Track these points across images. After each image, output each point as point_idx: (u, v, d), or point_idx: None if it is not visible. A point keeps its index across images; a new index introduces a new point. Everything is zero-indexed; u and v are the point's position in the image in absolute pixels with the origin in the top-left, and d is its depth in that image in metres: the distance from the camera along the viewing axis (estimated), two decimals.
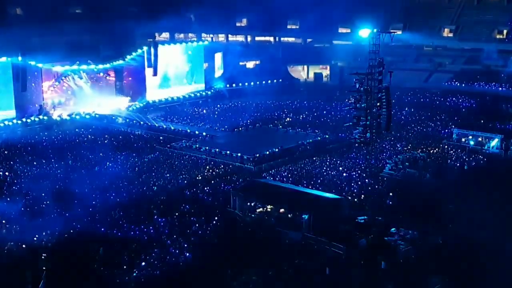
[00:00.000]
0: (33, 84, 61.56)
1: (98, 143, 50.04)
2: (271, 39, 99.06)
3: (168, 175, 40.93)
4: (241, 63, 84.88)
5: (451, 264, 27.46)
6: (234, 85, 77.73)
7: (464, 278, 26.36)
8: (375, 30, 53.14)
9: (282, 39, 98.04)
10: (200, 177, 40.56)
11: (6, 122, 57.19)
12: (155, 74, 69.91)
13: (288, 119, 60.62)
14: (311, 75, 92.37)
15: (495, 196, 35.68)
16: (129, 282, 26.25)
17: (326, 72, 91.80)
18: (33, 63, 60.54)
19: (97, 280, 26.44)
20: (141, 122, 58.36)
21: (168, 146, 49.45)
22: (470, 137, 48.80)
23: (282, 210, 33.43)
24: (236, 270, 26.95)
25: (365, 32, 53.59)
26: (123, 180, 39.16)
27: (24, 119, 58.47)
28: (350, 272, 26.91)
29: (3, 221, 32.18)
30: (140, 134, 54.89)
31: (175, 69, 73.77)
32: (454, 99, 70.00)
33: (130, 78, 70.35)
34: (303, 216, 32.17)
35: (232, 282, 26.13)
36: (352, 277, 26.52)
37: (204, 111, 66.29)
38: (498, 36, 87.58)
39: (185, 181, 39.55)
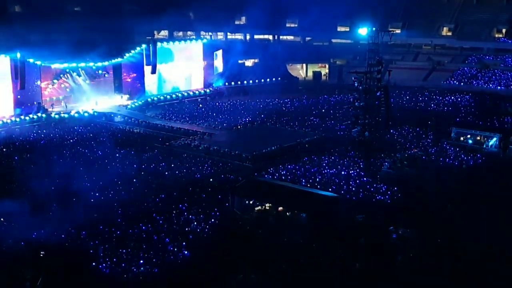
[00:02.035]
0: (35, 82, 61.54)
1: (96, 141, 50.01)
2: (270, 37, 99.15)
3: (166, 173, 40.96)
4: (240, 61, 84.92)
5: (449, 263, 27.51)
6: (233, 83, 77.82)
7: (463, 277, 26.41)
8: (374, 29, 53.15)
9: (281, 37, 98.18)
10: (198, 175, 40.56)
11: (5, 120, 57.14)
12: (153, 72, 69.90)
13: (287, 117, 60.60)
14: (310, 74, 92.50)
15: (494, 195, 35.79)
16: (127, 279, 26.27)
17: (325, 70, 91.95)
18: (31, 60, 60.50)
19: (96, 278, 26.46)
20: (140, 120, 58.35)
21: (167, 144, 49.44)
22: (469, 136, 48.86)
23: (280, 208, 33.45)
24: (234, 269, 26.98)
25: (364, 31, 53.57)
26: (122, 178, 39.15)
27: (22, 117, 58.41)
28: (349, 270, 26.98)
29: (2, 219, 32.18)
30: (139, 132, 54.88)
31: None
32: (452, 97, 70.12)
33: (128, 76, 70.38)
34: (302, 215, 32.22)
35: (230, 280, 26.15)
36: (351, 275, 26.60)
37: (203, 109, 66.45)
38: (497, 35, 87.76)
39: (184, 179, 39.55)
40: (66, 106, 62.99)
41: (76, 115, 60.36)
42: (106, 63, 67.20)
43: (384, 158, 44.40)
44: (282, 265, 27.45)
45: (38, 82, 62.27)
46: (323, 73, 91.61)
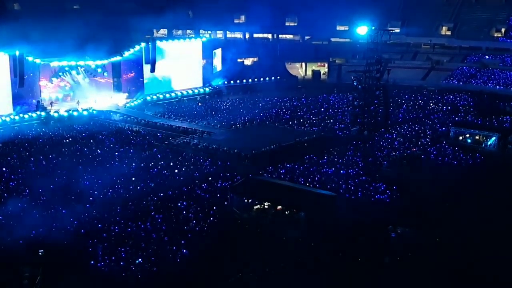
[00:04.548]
0: (31, 76, 61.47)
1: (95, 139, 49.99)
2: (270, 36, 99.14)
3: (165, 171, 40.96)
4: (239, 60, 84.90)
5: (448, 262, 27.57)
6: (232, 82, 77.82)
7: (461, 276, 26.46)
8: (373, 28, 53.25)
9: (280, 36, 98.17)
10: (197, 174, 40.57)
11: (3, 118, 57.08)
12: (152, 70, 69.82)
13: (285, 116, 60.62)
14: (309, 73, 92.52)
15: (492, 194, 35.86)
16: (126, 278, 26.29)
17: (324, 69, 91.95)
18: (30, 58, 60.45)
19: (94, 276, 26.49)
20: (139, 119, 58.32)
21: (166, 142, 49.44)
22: (467, 135, 48.92)
23: (279, 207, 33.48)
24: (233, 267, 27.01)
25: (363, 30, 53.68)
26: (121, 176, 39.15)
27: (21, 115, 58.37)
28: (348, 269, 27.02)
29: (0, 217, 32.18)
30: (138, 130, 54.84)
31: None
32: (451, 97, 70.18)
33: (128, 75, 70.36)
34: (300, 213, 32.26)
35: (229, 279, 26.18)
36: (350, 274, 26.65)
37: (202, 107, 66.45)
38: (496, 34, 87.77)
39: (182, 178, 39.58)
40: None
41: (75, 113, 60.33)
42: (105, 61, 67.21)
43: (383, 157, 44.43)
44: (281, 264, 27.49)
45: (42, 82, 62.29)
46: (322, 72, 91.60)
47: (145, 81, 70.14)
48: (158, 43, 71.66)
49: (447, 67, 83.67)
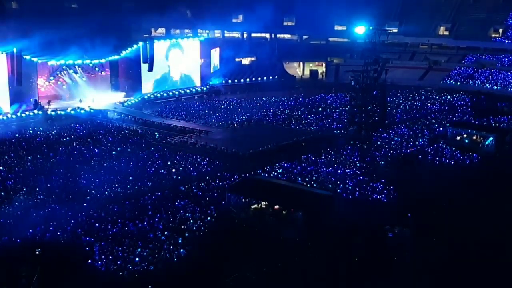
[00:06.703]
0: (29, 75, 61.39)
1: (92, 138, 49.93)
2: (267, 35, 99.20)
3: (162, 170, 40.94)
4: (237, 59, 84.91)
5: (445, 262, 27.60)
6: (230, 81, 77.84)
7: (459, 276, 26.49)
8: (371, 28, 53.31)
9: (278, 35, 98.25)
10: (195, 173, 40.56)
11: (1, 117, 56.95)
12: (150, 69, 69.83)
13: (283, 115, 60.65)
14: (307, 72, 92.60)
15: (490, 194, 35.93)
16: (123, 277, 26.28)
17: (322, 69, 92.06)
18: (28, 57, 60.33)
19: (91, 276, 26.46)
20: (136, 118, 58.28)
21: (164, 141, 49.41)
22: (465, 135, 48.95)
23: (276, 206, 33.48)
24: (230, 267, 27.01)
25: (361, 30, 53.72)
26: (118, 175, 39.11)
27: (18, 114, 58.26)
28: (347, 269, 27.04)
29: None
30: (135, 129, 54.81)
31: None
32: (449, 97, 70.32)
33: (125, 73, 70.27)
34: (298, 213, 32.26)
35: (226, 278, 26.18)
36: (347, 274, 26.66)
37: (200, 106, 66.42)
38: (494, 35, 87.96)
39: (180, 177, 39.57)
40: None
41: (73, 112, 60.25)
42: (103, 60, 67.13)
43: (380, 157, 44.46)
44: (278, 263, 27.49)
45: (40, 81, 62.17)
46: (320, 71, 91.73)
47: (142, 80, 70.07)
48: (156, 42, 71.73)
49: (445, 67, 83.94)
